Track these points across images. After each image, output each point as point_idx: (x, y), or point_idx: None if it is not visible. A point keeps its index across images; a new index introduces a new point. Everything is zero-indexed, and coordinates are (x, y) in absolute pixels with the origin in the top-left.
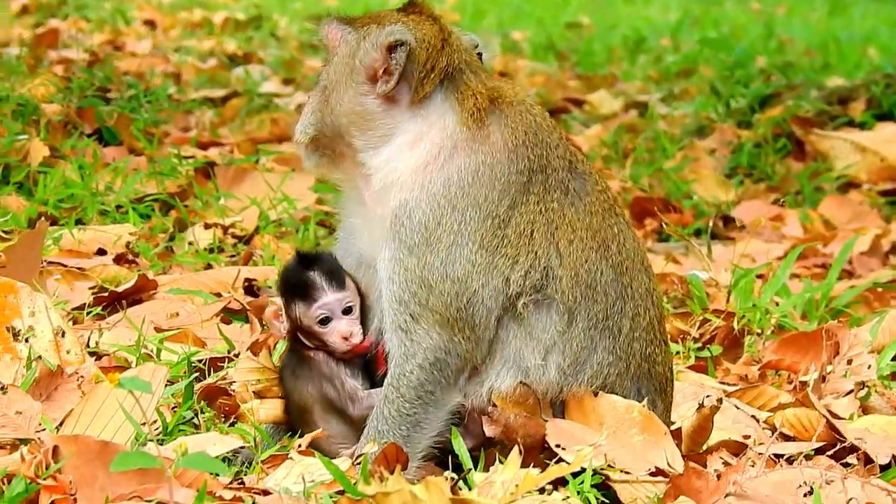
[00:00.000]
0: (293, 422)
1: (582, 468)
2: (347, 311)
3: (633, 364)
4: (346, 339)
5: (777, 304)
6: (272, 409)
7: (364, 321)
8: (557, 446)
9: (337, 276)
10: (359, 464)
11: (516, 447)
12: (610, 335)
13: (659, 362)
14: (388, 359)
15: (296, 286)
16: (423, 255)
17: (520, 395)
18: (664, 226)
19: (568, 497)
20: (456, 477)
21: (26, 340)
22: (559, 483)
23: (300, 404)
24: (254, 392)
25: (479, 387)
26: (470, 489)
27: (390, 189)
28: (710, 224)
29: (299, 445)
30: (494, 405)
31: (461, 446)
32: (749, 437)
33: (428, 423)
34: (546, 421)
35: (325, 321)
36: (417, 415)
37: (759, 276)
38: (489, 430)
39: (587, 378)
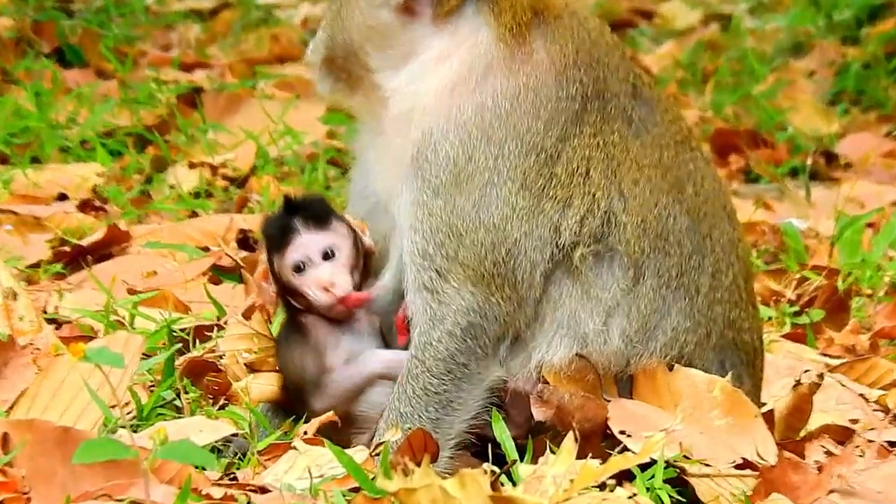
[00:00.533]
0: (291, 403)
1: (652, 459)
2: (329, 255)
3: (715, 331)
4: (326, 289)
5: (891, 259)
6: (268, 384)
7: (366, 275)
8: (622, 433)
9: (319, 217)
10: (378, 454)
11: (571, 433)
12: (685, 295)
13: (746, 329)
14: (412, 326)
15: (271, 234)
16: (452, 196)
17: (576, 370)
18: (752, 164)
19: (635, 494)
20: (497, 470)
21: None
22: (624, 477)
23: (292, 383)
24: (245, 365)
25: (525, 360)
26: (514, 485)
27: (411, 116)
28: (809, 162)
29: (305, 432)
30: (545, 382)
31: (504, 432)
32: (857, 421)
33: (461, 404)
34: (608, 401)
35: (299, 268)
36: (448, 393)
37: (869, 225)
38: (538, 413)
39: (659, 347)
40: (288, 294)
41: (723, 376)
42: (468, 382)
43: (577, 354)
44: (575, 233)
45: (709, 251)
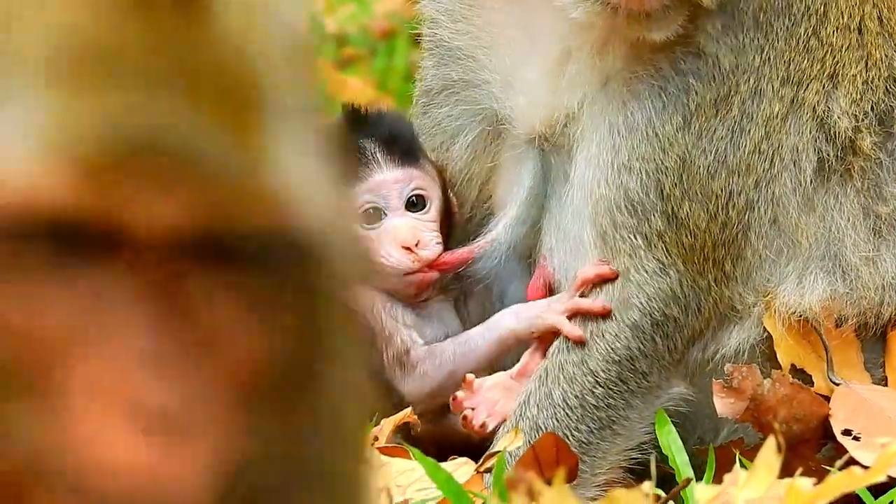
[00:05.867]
0: None
1: (890, 477)
2: (414, 204)
3: None
4: (407, 249)
5: None
6: None
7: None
8: (847, 434)
9: (403, 146)
10: (489, 470)
11: (772, 439)
12: None
13: None
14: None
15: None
16: (708, 122)
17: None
18: None
19: None
20: (663, 494)
21: None
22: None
23: None
24: None
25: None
26: None
27: None
28: None
29: (375, 438)
30: (736, 365)
31: (674, 440)
32: None
33: (625, 427)
34: (836, 384)
35: (373, 217)
36: (613, 409)
37: None
38: (723, 407)
39: None
40: None
41: None
42: (642, 399)
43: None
44: (854, 115)
45: None
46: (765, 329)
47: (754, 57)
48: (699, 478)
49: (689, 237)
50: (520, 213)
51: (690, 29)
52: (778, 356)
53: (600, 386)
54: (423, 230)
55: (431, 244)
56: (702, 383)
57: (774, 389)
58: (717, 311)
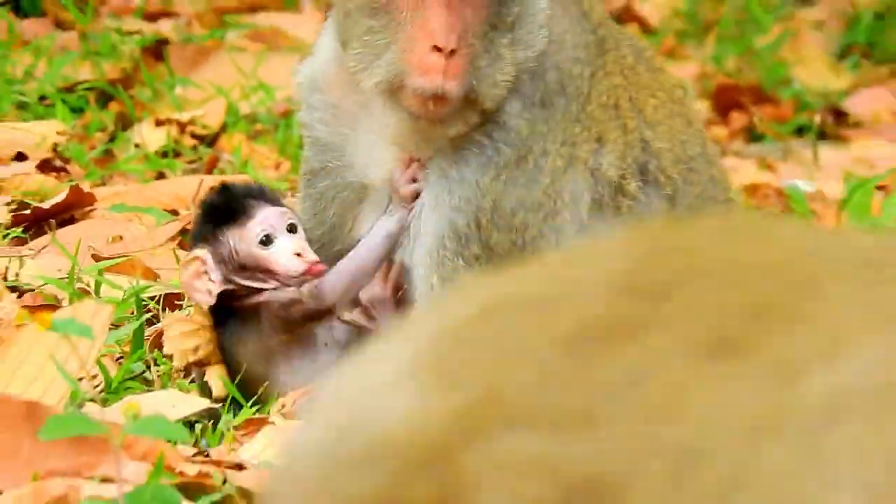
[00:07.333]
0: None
1: None
2: (292, 228)
3: None
4: (298, 254)
5: None
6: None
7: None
8: None
9: (271, 193)
10: None
11: None
12: None
13: None
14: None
15: (224, 209)
16: (511, 174)
17: None
18: (756, 122)
19: None
20: None
21: None
22: None
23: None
24: (194, 363)
25: None
26: None
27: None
28: (817, 120)
29: (283, 406)
30: None
31: None
32: None
33: None
34: None
35: (267, 241)
36: None
37: (880, 188)
38: None
39: None
40: (242, 276)
41: None
42: None
43: None
44: (619, 167)
45: (719, 181)
46: None
47: (542, 126)
48: None
49: (497, 259)
50: None
51: (496, 112)
52: None
53: None
54: (302, 242)
55: (310, 251)
56: None
57: None
58: None
